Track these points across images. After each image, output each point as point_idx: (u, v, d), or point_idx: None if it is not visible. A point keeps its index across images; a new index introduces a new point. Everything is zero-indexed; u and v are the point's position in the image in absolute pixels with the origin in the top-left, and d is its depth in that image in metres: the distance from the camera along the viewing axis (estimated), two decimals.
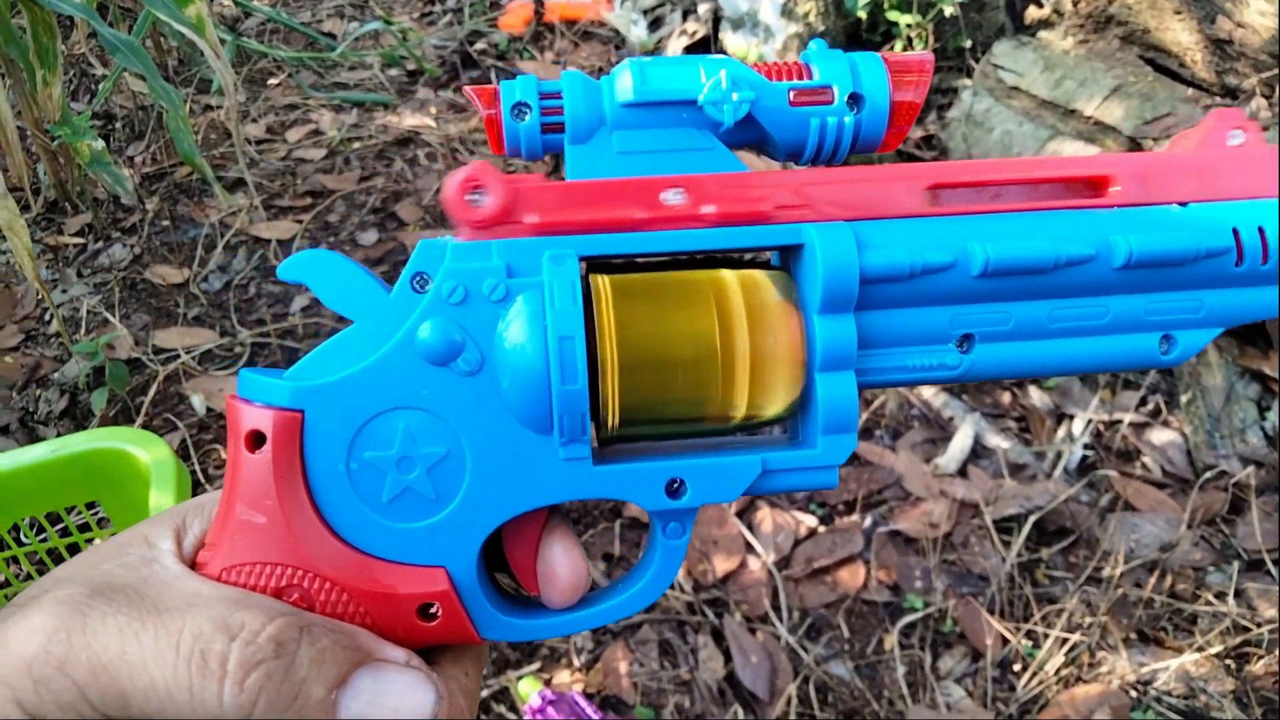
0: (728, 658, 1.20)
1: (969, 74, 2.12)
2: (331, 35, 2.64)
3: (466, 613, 0.35)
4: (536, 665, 1.17)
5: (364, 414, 0.34)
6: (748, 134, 0.36)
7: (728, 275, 0.36)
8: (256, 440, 0.34)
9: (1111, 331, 0.37)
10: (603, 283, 0.35)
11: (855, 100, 0.36)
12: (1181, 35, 1.81)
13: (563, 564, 0.36)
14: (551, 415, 0.34)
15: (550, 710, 1.09)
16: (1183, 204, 0.37)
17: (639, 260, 0.37)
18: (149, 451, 0.84)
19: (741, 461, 0.35)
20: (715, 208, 0.35)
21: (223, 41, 2.29)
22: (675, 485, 0.35)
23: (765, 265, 0.38)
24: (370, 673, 0.33)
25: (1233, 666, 1.20)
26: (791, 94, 0.36)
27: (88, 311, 1.71)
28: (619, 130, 0.36)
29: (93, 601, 0.31)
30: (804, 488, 0.36)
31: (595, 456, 0.35)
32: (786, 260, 0.37)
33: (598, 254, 0.35)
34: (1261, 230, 0.37)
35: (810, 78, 0.36)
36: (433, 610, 0.35)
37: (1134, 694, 1.18)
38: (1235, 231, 0.36)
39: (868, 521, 1.37)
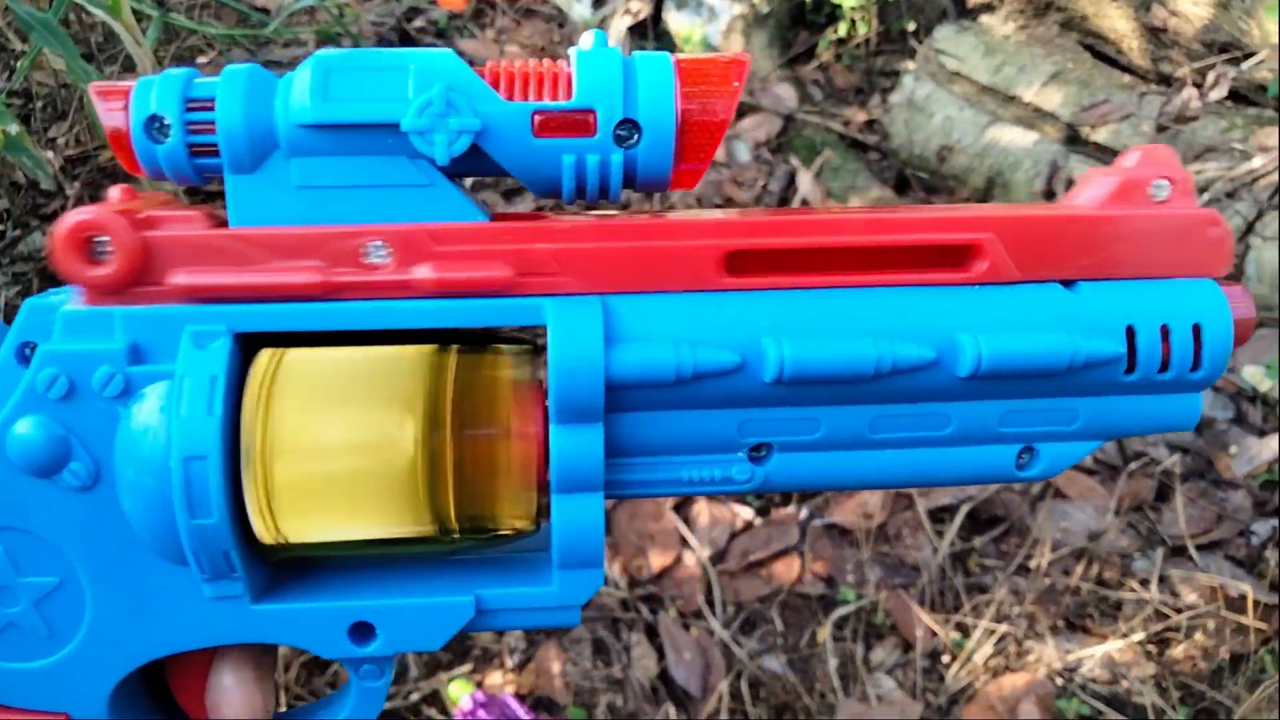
0: (661, 655, 1.20)
1: (913, 57, 2.12)
2: (265, 11, 2.56)
3: None
4: (468, 667, 1.16)
5: None
6: (478, 166, 0.28)
7: (449, 355, 0.28)
8: None
9: (953, 444, 0.30)
10: (268, 363, 0.27)
11: (628, 128, 0.27)
12: (1118, 22, 1.82)
13: (232, 702, 0.30)
14: (184, 549, 0.26)
15: (481, 713, 1.08)
16: (1068, 283, 0.29)
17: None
18: None
19: (448, 603, 0.28)
20: (431, 271, 0.27)
21: (148, 17, 2.21)
22: (362, 629, 0.29)
23: (517, 339, 0.30)
24: None
25: (1154, 652, 1.23)
26: (536, 119, 0.27)
27: (5, 303, 1.65)
28: (299, 158, 0.27)
29: None
30: (537, 626, 0.30)
31: (259, 588, 0.28)
32: None
33: (265, 329, 0.27)
34: (1165, 329, 0.29)
35: (568, 94, 0.27)
36: None
37: (1060, 681, 1.20)
38: (1130, 330, 0.29)
39: (804, 513, 1.37)
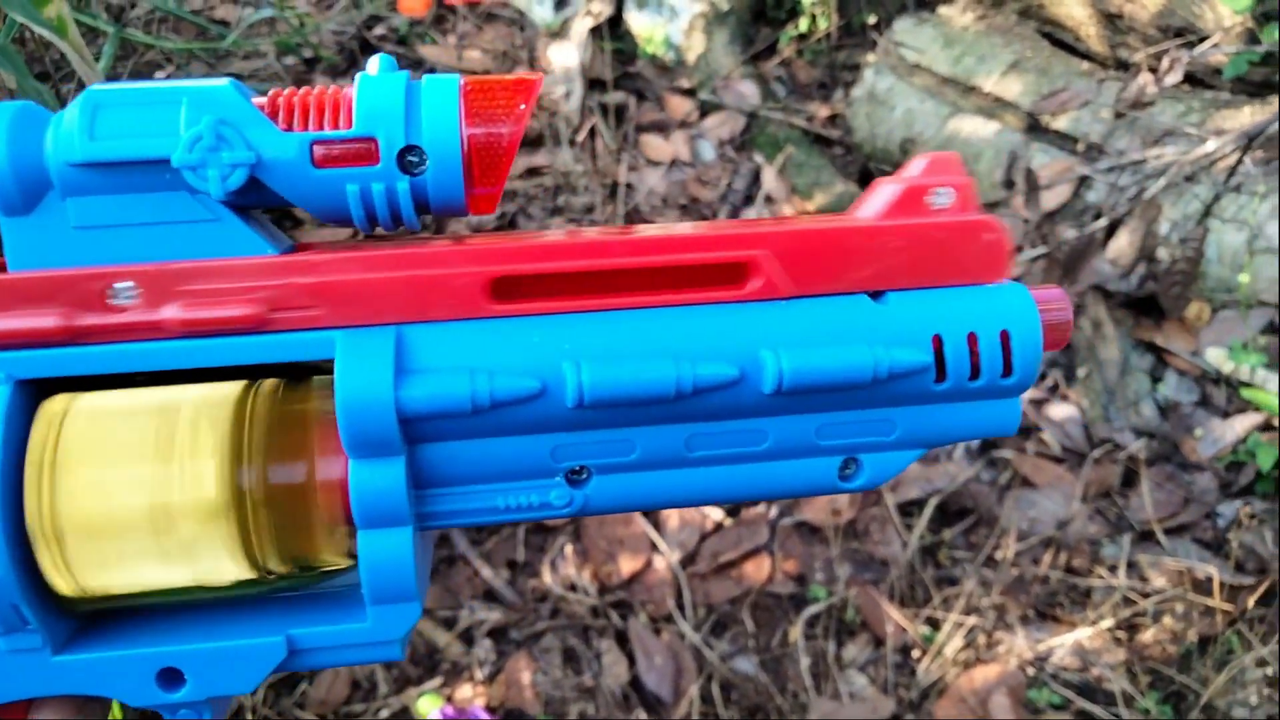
0: (632, 661, 1.19)
1: (874, 50, 2.12)
2: (224, 23, 2.54)
3: None
4: (438, 681, 1.16)
5: None
6: (263, 198, 0.28)
7: (256, 391, 0.28)
8: None
9: (773, 458, 0.30)
10: (56, 410, 0.26)
11: (417, 154, 0.27)
12: (1075, 9, 1.83)
13: None
14: None
15: None
16: (876, 294, 0.29)
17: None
18: None
19: (257, 645, 0.28)
20: (179, 311, 0.26)
21: (103, 34, 2.18)
22: (171, 674, 0.28)
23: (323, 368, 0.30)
24: None
25: (1124, 638, 1.23)
26: (316, 150, 0.27)
27: None
28: (75, 197, 0.26)
29: None
30: (357, 663, 0.29)
31: (62, 639, 0.27)
32: None
33: (42, 375, 0.26)
34: (973, 337, 0.29)
35: (349, 123, 0.27)
36: None
37: (1031, 671, 1.20)
38: (937, 339, 0.29)
39: (773, 512, 1.37)
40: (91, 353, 0.27)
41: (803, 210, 1.81)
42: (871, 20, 2.15)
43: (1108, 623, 1.23)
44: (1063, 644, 1.23)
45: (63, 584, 0.27)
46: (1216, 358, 1.50)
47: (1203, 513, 1.37)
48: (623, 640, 1.21)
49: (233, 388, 0.28)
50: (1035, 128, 1.76)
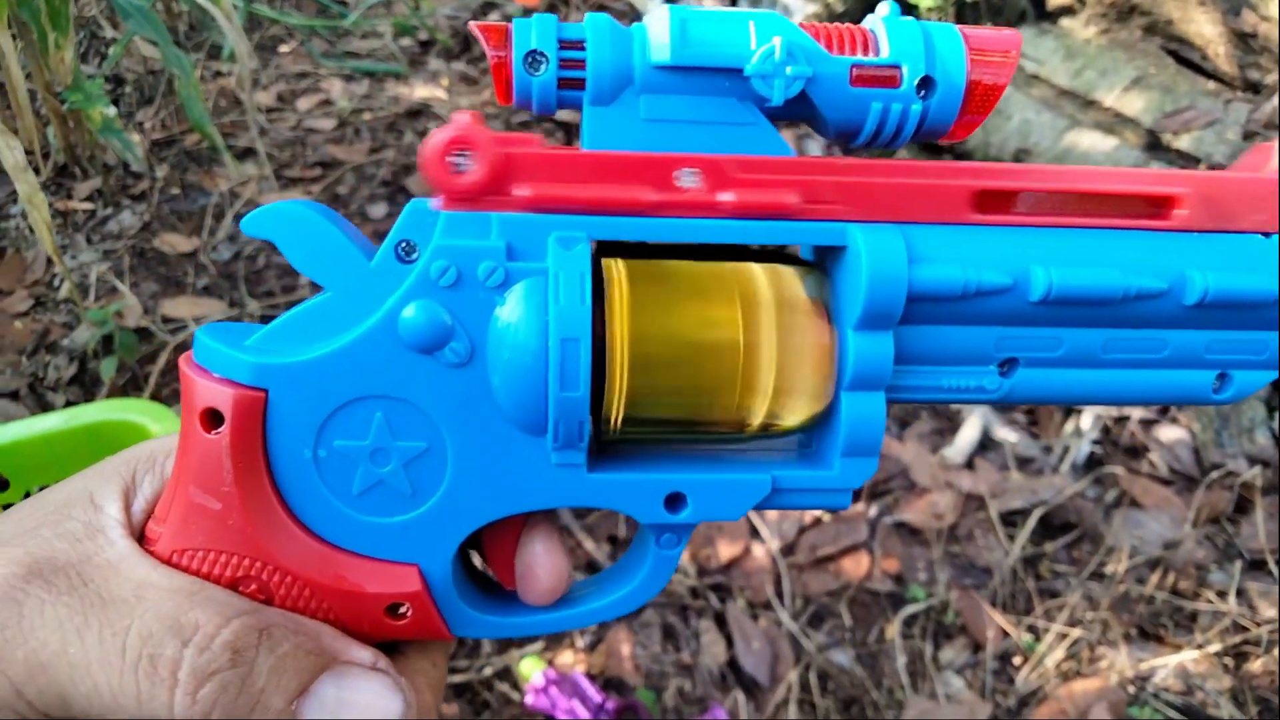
0: (730, 643, 1.20)
1: None
2: (344, 3, 2.62)
3: (439, 612, 0.33)
4: (540, 645, 1.18)
5: (335, 400, 0.31)
6: (796, 111, 0.32)
7: (756, 269, 0.32)
8: (213, 419, 0.30)
9: (1166, 366, 0.34)
10: (617, 269, 0.32)
11: (926, 84, 0.31)
12: (1204, 27, 1.79)
13: (543, 565, 0.34)
14: (547, 420, 0.31)
15: (553, 690, 1.10)
16: (1267, 234, 0.34)
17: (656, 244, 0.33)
18: (161, 424, 0.84)
19: (750, 479, 0.33)
20: (734, 195, 0.31)
21: (235, 7, 2.27)
22: (675, 499, 0.33)
23: (796, 259, 0.34)
24: (334, 679, 0.30)
25: (1231, 665, 1.21)
26: (854, 71, 0.31)
27: (97, 279, 1.71)
28: (648, 94, 0.31)
29: (29, 587, 0.28)
30: (814, 507, 0.34)
31: (591, 461, 0.32)
32: (823, 257, 0.34)
33: (613, 238, 0.31)
34: None
35: (877, 51, 0.31)
36: (402, 610, 0.32)
37: (1132, 689, 1.19)
38: None
39: (873, 511, 1.37)
40: (656, 224, 0.31)
41: None
42: None
43: (1215, 647, 1.21)
44: (1166, 665, 1.20)
45: (613, 410, 0.31)
46: None
47: None
48: (721, 622, 1.23)
49: (746, 266, 0.33)
50: (1155, 145, 1.73)
